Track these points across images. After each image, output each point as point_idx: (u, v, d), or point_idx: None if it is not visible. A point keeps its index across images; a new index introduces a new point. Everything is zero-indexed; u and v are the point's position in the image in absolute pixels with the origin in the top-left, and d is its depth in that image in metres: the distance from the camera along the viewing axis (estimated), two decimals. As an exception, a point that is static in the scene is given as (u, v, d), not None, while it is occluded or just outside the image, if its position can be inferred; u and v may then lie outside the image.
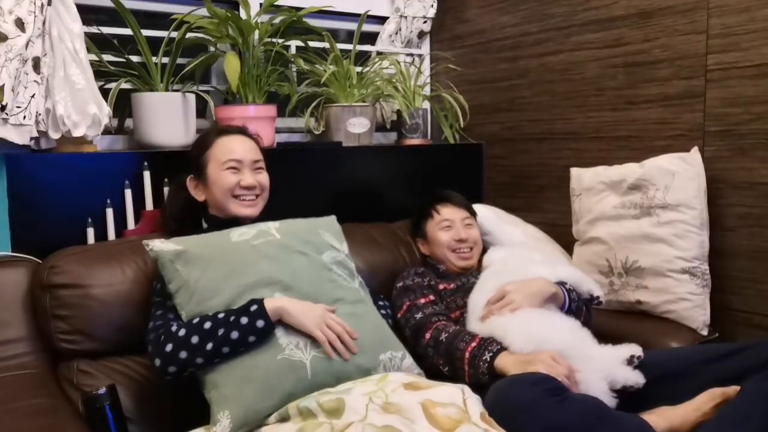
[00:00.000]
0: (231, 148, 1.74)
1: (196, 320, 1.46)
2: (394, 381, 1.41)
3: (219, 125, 1.85)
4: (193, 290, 1.49)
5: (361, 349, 1.50)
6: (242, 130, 1.82)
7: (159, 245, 1.53)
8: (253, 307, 1.45)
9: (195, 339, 1.42)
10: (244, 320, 1.42)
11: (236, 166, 1.72)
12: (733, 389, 1.48)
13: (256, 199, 1.74)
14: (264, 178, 1.78)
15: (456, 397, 1.36)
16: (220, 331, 1.42)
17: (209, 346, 1.41)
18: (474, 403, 1.36)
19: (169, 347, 1.42)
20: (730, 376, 1.51)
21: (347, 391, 1.36)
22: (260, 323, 1.43)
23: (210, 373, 1.43)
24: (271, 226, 1.64)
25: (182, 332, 1.43)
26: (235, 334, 1.41)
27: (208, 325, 1.43)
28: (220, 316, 1.45)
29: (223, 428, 1.35)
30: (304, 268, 1.58)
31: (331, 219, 1.77)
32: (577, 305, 1.80)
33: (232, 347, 1.41)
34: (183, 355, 1.41)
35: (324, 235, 1.69)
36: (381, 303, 1.81)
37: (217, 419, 1.36)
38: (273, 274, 1.53)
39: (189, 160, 1.78)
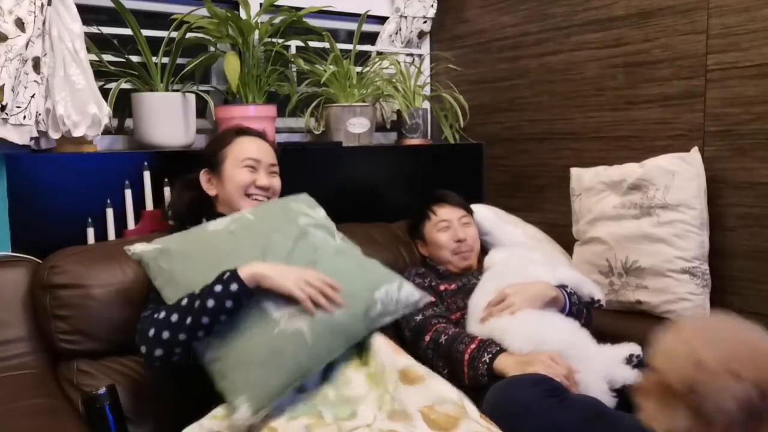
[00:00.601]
0: (250, 147, 1.76)
1: (173, 300, 1.46)
2: (390, 370, 1.41)
3: (239, 125, 1.86)
4: (178, 282, 1.49)
5: (352, 295, 1.49)
6: (261, 134, 1.83)
7: (140, 247, 1.54)
8: (226, 275, 1.44)
9: (174, 317, 1.42)
10: (218, 288, 1.42)
11: (254, 165, 1.73)
12: None
13: (267, 201, 1.75)
14: (277, 182, 1.79)
15: (450, 393, 1.36)
16: (196, 303, 1.41)
17: (188, 320, 1.41)
18: (470, 403, 1.37)
19: (151, 332, 1.42)
20: None
21: (362, 400, 1.39)
22: (234, 287, 1.41)
23: (214, 364, 1.43)
24: (245, 213, 1.64)
25: (162, 315, 1.43)
26: (210, 303, 1.40)
27: (185, 302, 1.43)
28: (195, 291, 1.44)
29: (243, 413, 1.33)
30: (281, 243, 1.56)
31: (303, 195, 1.76)
32: (578, 308, 1.80)
33: (211, 316, 1.40)
34: (165, 335, 1.41)
35: (295, 206, 1.68)
36: None
37: (235, 406, 1.35)
38: (252, 253, 1.52)
39: (205, 155, 1.79)
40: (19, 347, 1.61)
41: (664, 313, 1.96)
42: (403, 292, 1.56)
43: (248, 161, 1.73)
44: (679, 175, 1.93)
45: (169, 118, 2.03)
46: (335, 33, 2.65)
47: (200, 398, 1.52)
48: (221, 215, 1.74)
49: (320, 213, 1.72)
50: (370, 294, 1.51)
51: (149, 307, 1.54)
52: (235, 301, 1.42)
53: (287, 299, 1.45)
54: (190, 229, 1.61)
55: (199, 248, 1.54)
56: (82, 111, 1.77)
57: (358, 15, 2.47)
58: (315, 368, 1.41)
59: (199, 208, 1.78)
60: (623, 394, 1.56)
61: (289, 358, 1.39)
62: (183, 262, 1.51)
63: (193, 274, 1.49)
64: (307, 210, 1.69)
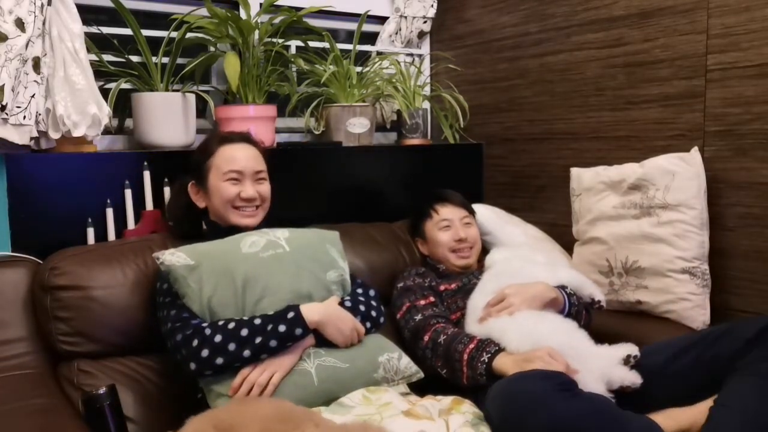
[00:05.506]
0: (233, 157, 1.72)
1: (231, 325, 1.47)
2: (395, 407, 1.43)
3: (222, 131, 1.84)
4: (206, 305, 1.51)
5: (356, 357, 1.55)
6: (245, 137, 1.79)
7: (169, 258, 1.54)
8: (290, 314, 1.48)
9: (232, 346, 1.43)
10: (282, 328, 1.45)
11: (237, 177, 1.70)
12: None
13: (256, 210, 1.74)
14: (265, 189, 1.76)
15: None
16: (258, 339, 1.44)
17: (246, 353, 1.43)
18: None
19: (205, 353, 1.43)
20: (721, 359, 1.52)
21: (349, 409, 1.42)
22: (299, 331, 1.47)
23: (215, 384, 1.46)
24: (281, 236, 1.64)
25: (218, 338, 1.44)
26: (273, 342, 1.45)
27: (245, 332, 1.45)
28: (257, 322, 1.47)
29: None
30: (306, 288, 1.60)
31: (336, 234, 1.77)
32: (577, 309, 1.80)
33: (269, 352, 1.45)
34: (220, 360, 1.43)
35: (331, 251, 1.70)
36: (359, 291, 1.74)
37: None
38: (281, 293, 1.55)
39: (191, 166, 1.77)
40: (19, 347, 1.61)
41: (664, 313, 1.96)
42: (402, 362, 1.60)
43: (231, 174, 1.70)
44: (679, 175, 1.93)
45: (169, 118, 2.03)
46: (335, 33, 2.65)
47: (201, 399, 1.53)
48: (216, 224, 1.73)
49: (346, 264, 1.73)
50: (374, 357, 1.56)
51: (172, 314, 1.53)
52: (296, 343, 1.48)
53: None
54: (222, 242, 1.61)
55: (229, 271, 1.54)
56: (82, 111, 1.77)
57: (358, 15, 2.47)
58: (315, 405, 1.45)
59: (196, 213, 1.77)
60: (621, 394, 1.56)
61: (293, 395, 1.43)
62: (212, 285, 1.52)
63: (221, 300, 1.52)
64: (339, 261, 1.70)
